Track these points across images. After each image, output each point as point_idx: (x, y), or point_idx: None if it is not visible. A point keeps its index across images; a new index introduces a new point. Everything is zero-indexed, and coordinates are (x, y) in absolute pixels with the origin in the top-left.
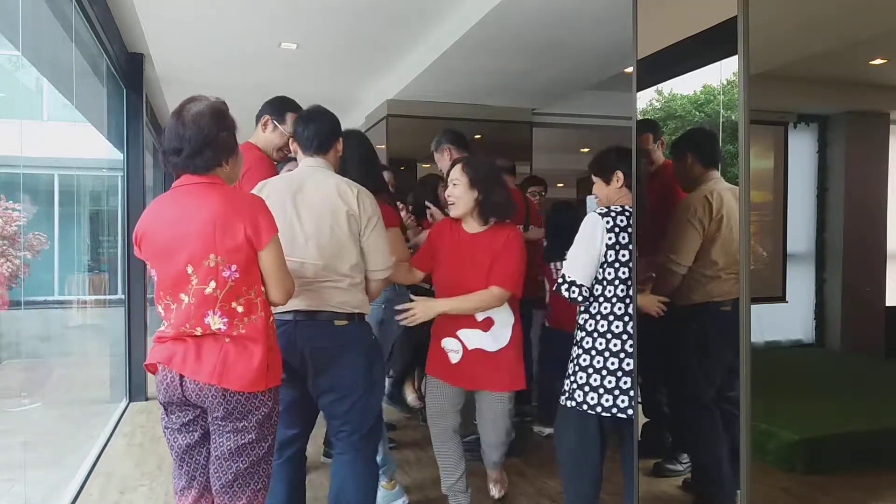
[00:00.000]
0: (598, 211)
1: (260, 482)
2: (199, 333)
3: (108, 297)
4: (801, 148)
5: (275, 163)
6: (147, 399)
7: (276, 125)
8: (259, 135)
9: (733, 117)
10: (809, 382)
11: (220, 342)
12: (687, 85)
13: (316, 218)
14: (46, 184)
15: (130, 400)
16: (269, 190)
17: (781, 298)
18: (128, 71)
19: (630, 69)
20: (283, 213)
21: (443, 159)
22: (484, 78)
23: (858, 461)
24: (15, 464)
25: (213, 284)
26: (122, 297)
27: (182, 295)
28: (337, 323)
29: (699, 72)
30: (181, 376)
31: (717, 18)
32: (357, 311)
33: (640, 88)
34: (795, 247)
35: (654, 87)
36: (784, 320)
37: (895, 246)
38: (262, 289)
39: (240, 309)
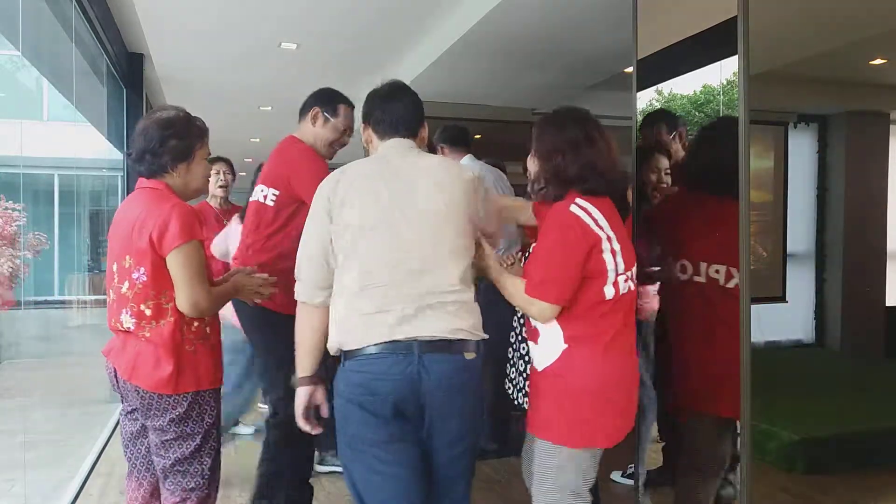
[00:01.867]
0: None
1: (192, 482)
2: (121, 328)
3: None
4: (801, 148)
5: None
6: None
7: (327, 118)
8: (307, 129)
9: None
10: (809, 382)
11: (138, 339)
12: (687, 85)
13: (430, 214)
14: (46, 184)
15: None
16: (353, 175)
17: (781, 298)
18: (128, 71)
19: (630, 69)
20: (378, 202)
21: None
22: (484, 78)
23: (858, 461)
24: (15, 464)
25: (126, 284)
26: None
27: (110, 290)
28: (467, 356)
29: (699, 72)
30: (115, 369)
31: (717, 18)
32: (482, 335)
33: (640, 88)
34: (795, 247)
35: (654, 87)
36: (784, 320)
37: (895, 246)
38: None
39: (148, 312)
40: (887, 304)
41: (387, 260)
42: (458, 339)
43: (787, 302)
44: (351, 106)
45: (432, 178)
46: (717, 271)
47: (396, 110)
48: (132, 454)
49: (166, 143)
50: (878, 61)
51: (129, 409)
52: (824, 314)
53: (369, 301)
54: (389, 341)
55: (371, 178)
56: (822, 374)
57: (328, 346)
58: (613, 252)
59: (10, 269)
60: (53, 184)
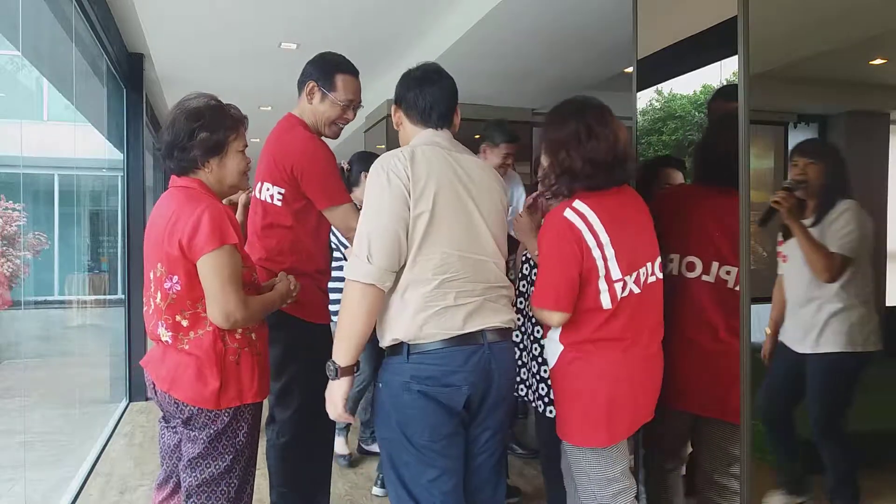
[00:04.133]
0: None
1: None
2: (160, 340)
3: (108, 297)
4: None
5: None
6: (147, 399)
7: (324, 93)
8: (304, 106)
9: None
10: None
11: (177, 351)
12: (687, 85)
13: (490, 204)
14: (46, 184)
15: (130, 400)
16: (427, 163)
17: None
18: (128, 71)
19: (630, 69)
20: (454, 194)
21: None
22: (484, 78)
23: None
24: (15, 464)
25: (159, 295)
26: (122, 297)
27: (148, 299)
28: (511, 344)
29: (699, 72)
30: (154, 381)
31: (717, 18)
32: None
33: (640, 88)
34: None
35: (654, 87)
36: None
37: (895, 246)
38: None
39: (185, 323)
40: (887, 304)
41: (462, 253)
42: (510, 329)
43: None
44: (353, 73)
45: (489, 176)
46: (727, 272)
47: (431, 95)
48: (169, 466)
49: (195, 136)
50: (878, 61)
51: (168, 420)
52: None
53: (446, 294)
54: (463, 334)
55: (445, 169)
56: None
57: (387, 339)
58: (605, 259)
59: (11, 269)
60: (53, 184)
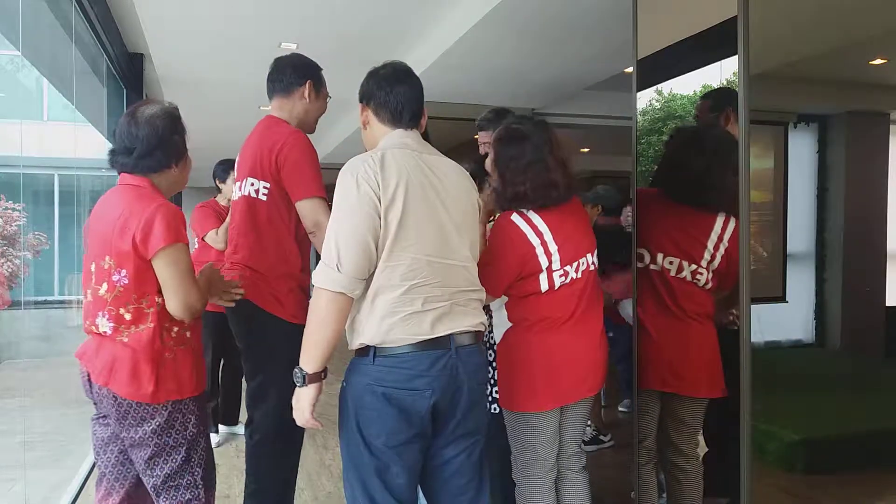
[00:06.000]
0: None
1: (188, 493)
2: (97, 331)
3: None
4: (801, 148)
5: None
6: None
7: (318, 91)
8: (296, 105)
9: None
10: (809, 382)
11: (114, 343)
12: (687, 85)
13: (462, 209)
14: (46, 184)
15: None
16: (397, 168)
17: (781, 298)
18: (128, 71)
19: (630, 69)
20: (425, 199)
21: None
22: (484, 78)
23: (858, 461)
24: (15, 464)
25: (105, 286)
26: None
27: (88, 290)
28: (482, 348)
29: (699, 72)
30: (89, 373)
31: (717, 18)
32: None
33: (640, 88)
34: (795, 247)
35: (654, 87)
36: (784, 320)
37: (895, 246)
38: (158, 300)
39: (127, 316)
40: (887, 304)
41: (431, 258)
42: (479, 332)
43: (787, 302)
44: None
45: (460, 179)
46: (670, 262)
47: (402, 94)
48: (103, 462)
49: (174, 138)
50: (878, 61)
51: (102, 414)
52: (824, 314)
53: (414, 300)
54: (431, 339)
55: (415, 173)
56: (822, 374)
57: (355, 342)
58: (549, 254)
59: (10, 269)
60: (53, 184)
